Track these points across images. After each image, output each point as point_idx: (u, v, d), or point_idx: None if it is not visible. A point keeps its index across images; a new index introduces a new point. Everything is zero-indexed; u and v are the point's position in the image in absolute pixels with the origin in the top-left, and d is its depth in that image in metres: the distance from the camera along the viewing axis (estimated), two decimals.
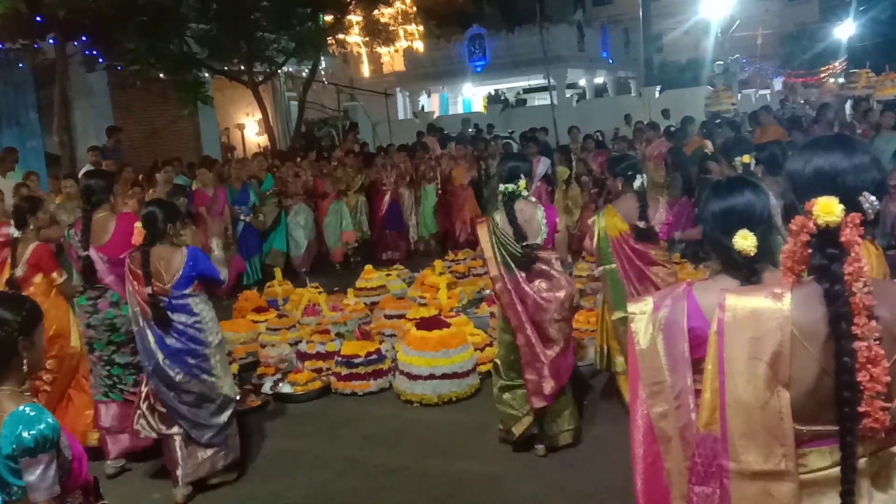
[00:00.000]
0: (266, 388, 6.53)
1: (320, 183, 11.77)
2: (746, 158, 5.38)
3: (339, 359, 6.52)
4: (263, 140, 19.34)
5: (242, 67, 15.88)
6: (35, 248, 5.09)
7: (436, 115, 27.66)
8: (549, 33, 22.94)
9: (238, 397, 5.34)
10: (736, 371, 1.84)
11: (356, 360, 6.41)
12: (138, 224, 4.65)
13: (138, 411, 4.81)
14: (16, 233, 5.11)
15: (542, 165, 11.54)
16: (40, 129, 15.41)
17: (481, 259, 10.05)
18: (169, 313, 4.64)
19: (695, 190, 9.74)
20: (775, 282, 1.99)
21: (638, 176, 5.26)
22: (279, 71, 17.71)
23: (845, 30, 31.08)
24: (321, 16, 15.73)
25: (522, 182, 4.91)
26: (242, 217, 10.58)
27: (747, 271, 2.38)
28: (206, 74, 15.94)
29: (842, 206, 1.73)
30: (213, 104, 16.30)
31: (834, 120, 11.76)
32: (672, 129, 13.10)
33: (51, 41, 13.09)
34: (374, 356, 6.48)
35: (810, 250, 1.78)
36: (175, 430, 4.74)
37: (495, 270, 4.90)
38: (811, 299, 1.79)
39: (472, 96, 31.11)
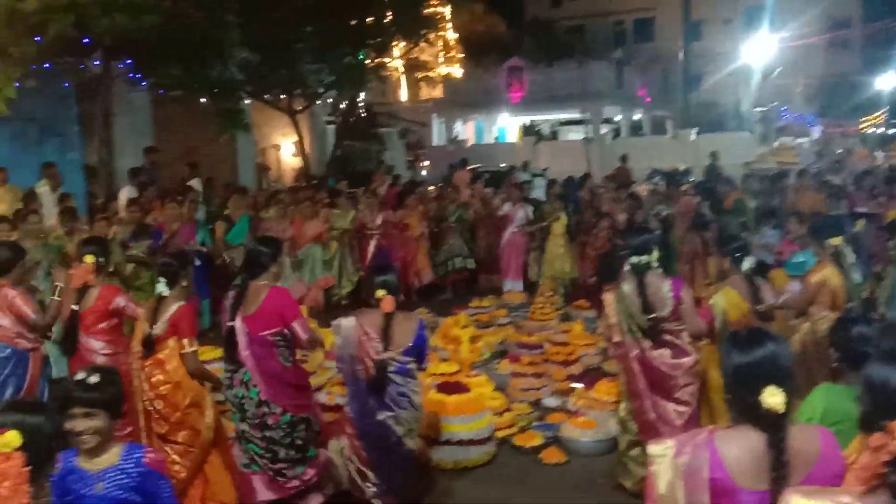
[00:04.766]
0: None
1: (299, 224, 10.82)
2: (836, 240, 5.55)
3: None
4: (299, 161, 19.50)
5: (282, 96, 16.05)
6: (179, 308, 4.81)
7: (470, 143, 27.76)
8: (588, 69, 22.97)
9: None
10: None
11: None
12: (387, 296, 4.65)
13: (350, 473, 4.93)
14: (165, 291, 4.87)
15: (521, 212, 11.62)
16: (81, 142, 15.67)
17: (505, 308, 10.17)
18: (392, 376, 4.66)
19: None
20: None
21: (747, 259, 5.27)
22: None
23: (887, 81, 30.74)
24: (362, 52, 15.89)
25: (654, 254, 5.00)
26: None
27: (774, 427, 2.31)
28: (247, 102, 16.13)
29: None
30: (252, 129, 16.50)
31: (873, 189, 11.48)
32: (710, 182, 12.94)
33: (96, 62, 13.35)
34: None
35: (888, 469, 1.76)
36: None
37: (619, 337, 5.01)
38: None
39: (506, 126, 31.21)
